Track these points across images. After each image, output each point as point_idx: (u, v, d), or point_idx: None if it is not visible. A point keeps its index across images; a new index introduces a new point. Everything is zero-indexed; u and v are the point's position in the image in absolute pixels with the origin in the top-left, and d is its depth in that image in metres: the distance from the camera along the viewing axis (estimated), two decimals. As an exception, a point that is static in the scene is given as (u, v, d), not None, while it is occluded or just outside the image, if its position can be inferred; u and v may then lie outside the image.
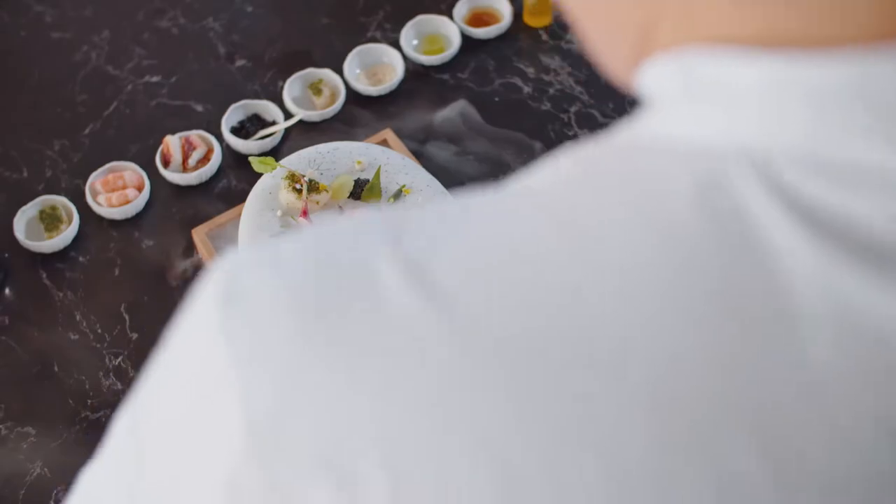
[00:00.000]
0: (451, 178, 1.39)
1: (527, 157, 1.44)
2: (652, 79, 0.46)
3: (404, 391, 0.43)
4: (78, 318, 1.31)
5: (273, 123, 1.48)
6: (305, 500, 0.46)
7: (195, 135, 1.45)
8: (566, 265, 0.43)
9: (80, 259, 1.37)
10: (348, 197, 1.30)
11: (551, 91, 1.53)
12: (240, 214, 1.32)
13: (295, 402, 0.46)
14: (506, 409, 0.42)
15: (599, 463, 0.41)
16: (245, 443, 0.47)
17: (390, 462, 0.43)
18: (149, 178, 1.43)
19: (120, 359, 1.28)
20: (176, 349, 0.54)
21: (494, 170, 1.43)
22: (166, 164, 1.44)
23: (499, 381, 0.42)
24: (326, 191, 1.29)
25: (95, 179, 1.42)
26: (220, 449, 0.48)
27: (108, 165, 1.43)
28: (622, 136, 0.46)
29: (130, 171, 1.43)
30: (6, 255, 1.37)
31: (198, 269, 1.34)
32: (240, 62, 1.59)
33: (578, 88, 1.53)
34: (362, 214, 0.50)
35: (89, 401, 1.24)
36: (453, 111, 1.48)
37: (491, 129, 1.47)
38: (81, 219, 1.39)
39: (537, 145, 1.45)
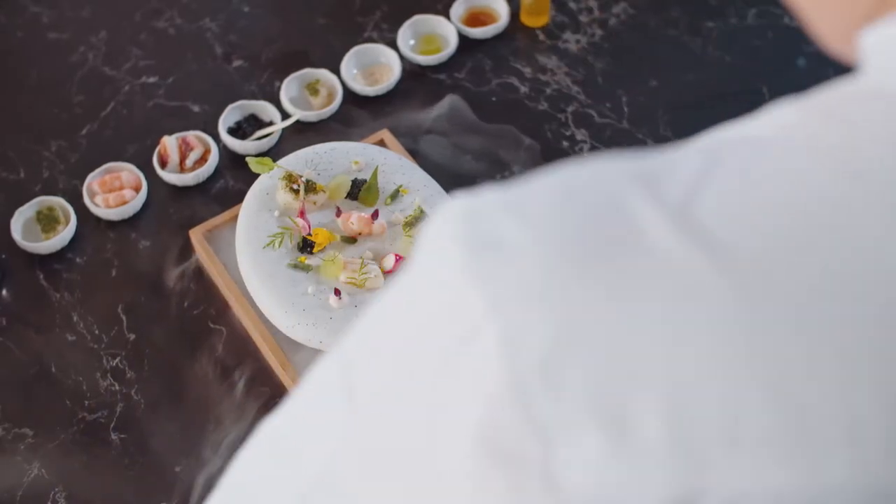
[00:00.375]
0: (449, 178, 1.39)
1: (524, 156, 1.44)
2: (887, 38, 0.48)
3: (686, 334, 0.44)
4: (75, 318, 1.31)
5: (270, 124, 1.48)
6: (569, 443, 0.46)
7: (192, 135, 1.45)
8: (845, 208, 0.44)
9: (78, 260, 1.37)
10: (345, 197, 1.30)
11: (548, 91, 1.53)
12: (237, 215, 1.32)
13: (566, 344, 0.46)
14: (797, 353, 0.43)
15: (888, 402, 0.42)
16: (504, 385, 0.47)
17: (670, 405, 0.44)
18: (146, 178, 1.42)
19: (117, 360, 1.28)
20: (412, 294, 0.54)
21: (492, 169, 1.43)
22: (163, 164, 1.44)
23: (788, 327, 0.43)
24: (324, 191, 1.29)
25: (92, 180, 1.42)
26: (471, 391, 0.48)
27: (105, 166, 1.43)
28: (849, 88, 0.48)
29: (127, 172, 1.43)
30: (3, 256, 1.37)
31: (195, 269, 1.34)
32: (237, 62, 1.59)
33: (575, 88, 1.53)
34: (603, 159, 0.51)
35: (87, 402, 1.24)
36: (442, 108, 1.48)
37: (488, 129, 1.47)
38: (78, 219, 1.39)
39: (534, 145, 1.45)
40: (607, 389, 0.45)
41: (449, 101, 1.49)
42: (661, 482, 0.45)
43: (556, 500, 0.47)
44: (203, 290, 1.32)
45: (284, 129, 1.48)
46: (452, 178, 1.40)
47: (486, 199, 0.51)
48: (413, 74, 1.55)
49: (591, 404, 0.46)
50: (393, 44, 1.57)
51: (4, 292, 1.35)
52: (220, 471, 1.16)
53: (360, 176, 1.31)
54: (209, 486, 1.16)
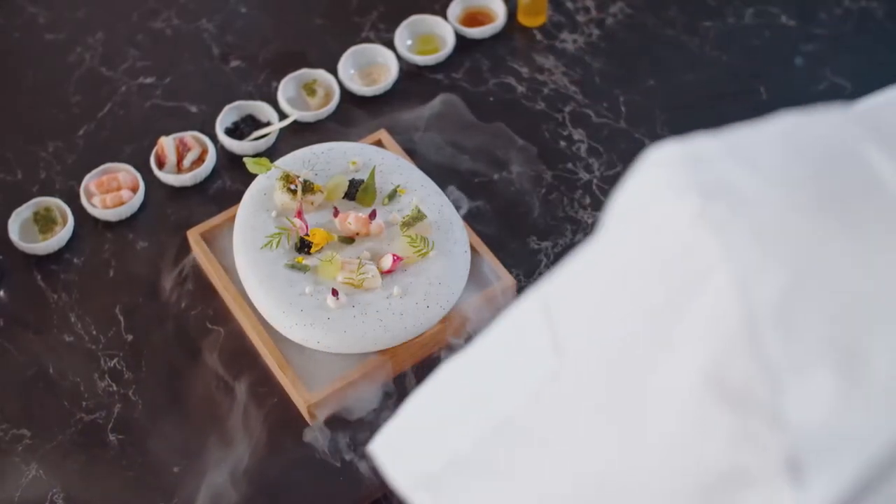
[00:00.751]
0: (446, 178, 1.39)
1: (522, 156, 1.44)
2: None
3: None
4: (73, 319, 1.31)
5: (267, 124, 1.48)
6: (800, 383, 0.49)
7: (189, 136, 1.45)
8: None
9: (75, 261, 1.37)
10: (343, 197, 1.30)
11: (545, 91, 1.53)
12: (235, 216, 1.32)
13: (801, 287, 0.48)
14: None
15: None
16: (737, 327, 0.50)
17: None
18: (143, 179, 1.42)
19: (115, 360, 1.28)
20: (628, 239, 0.56)
21: (489, 169, 1.43)
22: (161, 165, 1.43)
23: None
24: (321, 191, 1.29)
25: (90, 181, 1.42)
26: (702, 332, 0.51)
27: (102, 167, 1.43)
28: None
29: (125, 173, 1.42)
30: (0, 257, 1.37)
31: (193, 270, 1.34)
32: (234, 63, 1.58)
33: (573, 88, 1.53)
34: (826, 109, 0.53)
35: (84, 402, 1.24)
36: (439, 108, 1.48)
37: (485, 128, 1.47)
38: (76, 220, 1.39)
39: (532, 145, 1.45)
40: (842, 330, 0.48)
41: (446, 101, 1.49)
42: (893, 421, 0.48)
43: (781, 439, 0.50)
44: (200, 291, 1.32)
45: (282, 130, 1.48)
46: (450, 178, 1.40)
47: (706, 146, 0.53)
48: (410, 74, 1.55)
49: (825, 345, 0.48)
50: (390, 44, 1.57)
51: (2, 293, 1.35)
52: (219, 471, 1.17)
53: (358, 176, 1.31)
54: (208, 487, 1.16)
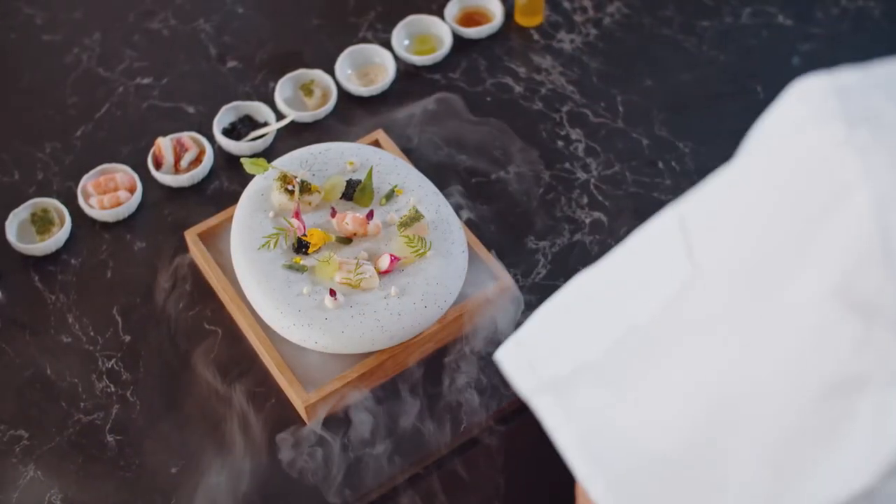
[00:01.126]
0: (444, 178, 1.39)
1: (519, 156, 1.44)
2: None
3: None
4: (70, 320, 1.31)
5: (265, 124, 1.48)
6: None
7: (187, 136, 1.45)
8: None
9: (72, 262, 1.37)
10: (340, 198, 1.30)
11: (543, 91, 1.53)
12: (232, 216, 1.32)
13: None
14: None
15: None
16: (872, 242, 0.56)
17: None
18: (140, 180, 1.42)
19: (113, 361, 1.27)
20: (770, 161, 0.62)
21: (487, 169, 1.43)
22: (158, 165, 1.43)
23: None
24: (318, 192, 1.29)
25: (87, 182, 1.42)
26: (838, 245, 0.57)
27: (99, 167, 1.43)
28: None
29: (122, 173, 1.42)
30: (-2, 258, 1.37)
31: (190, 271, 1.34)
32: (231, 63, 1.58)
33: (570, 88, 1.53)
34: None
35: (82, 403, 1.24)
36: (437, 108, 1.48)
37: (482, 129, 1.47)
38: (73, 221, 1.39)
39: (529, 145, 1.45)
40: None
41: (443, 102, 1.49)
42: None
43: None
44: (198, 292, 1.32)
45: (279, 130, 1.48)
46: (447, 178, 1.40)
47: (851, 78, 0.59)
48: (408, 74, 1.55)
49: None
50: (387, 44, 1.57)
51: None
52: (217, 471, 1.17)
53: (355, 176, 1.31)
54: (205, 487, 1.16)
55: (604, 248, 1.36)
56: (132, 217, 1.41)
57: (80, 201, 1.39)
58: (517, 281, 1.31)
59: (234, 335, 1.28)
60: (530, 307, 1.28)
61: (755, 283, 0.62)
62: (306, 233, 1.25)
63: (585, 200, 1.40)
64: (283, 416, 1.21)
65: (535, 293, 1.30)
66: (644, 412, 0.72)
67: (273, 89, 1.53)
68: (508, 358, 0.81)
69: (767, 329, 0.62)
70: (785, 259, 0.60)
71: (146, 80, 1.56)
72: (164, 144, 1.43)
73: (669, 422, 0.70)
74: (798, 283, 0.60)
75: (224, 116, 1.48)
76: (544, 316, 0.80)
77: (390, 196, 1.30)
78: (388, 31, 1.59)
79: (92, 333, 1.30)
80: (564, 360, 0.76)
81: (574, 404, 0.76)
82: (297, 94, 1.52)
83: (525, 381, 0.79)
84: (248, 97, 1.53)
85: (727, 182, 0.65)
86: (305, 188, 1.27)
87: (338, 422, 1.21)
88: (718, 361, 0.66)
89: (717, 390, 0.66)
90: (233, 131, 1.47)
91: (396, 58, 1.55)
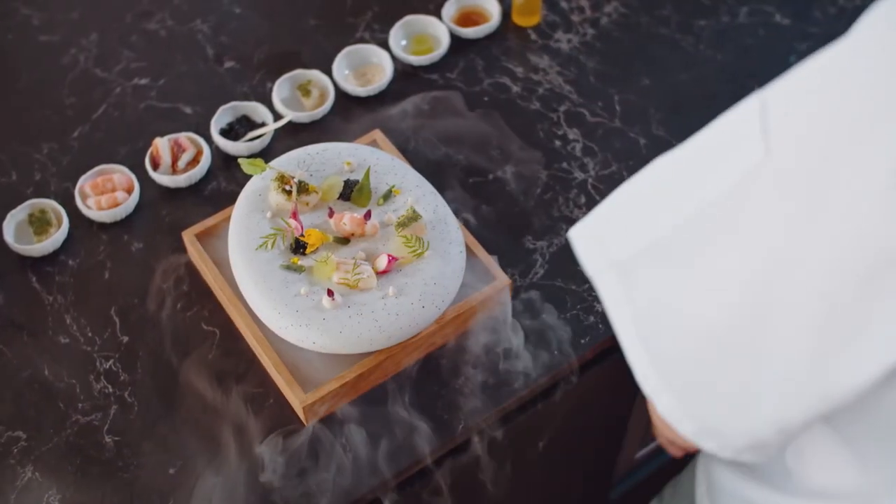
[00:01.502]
0: (441, 178, 1.39)
1: (517, 156, 1.44)
2: None
3: None
4: (68, 321, 1.31)
5: (262, 125, 1.48)
6: None
7: (184, 137, 1.45)
8: None
9: (70, 262, 1.37)
10: (338, 198, 1.30)
11: (540, 90, 1.53)
12: (229, 216, 1.31)
13: None
14: None
15: None
16: None
17: None
18: (138, 180, 1.42)
19: (111, 362, 1.27)
20: (854, 54, 0.69)
21: (484, 169, 1.43)
22: (155, 166, 1.43)
23: None
24: (316, 192, 1.29)
25: (84, 182, 1.42)
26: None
27: (97, 168, 1.43)
28: None
29: (119, 174, 1.42)
30: (-5, 259, 1.37)
31: (188, 271, 1.34)
32: (228, 64, 1.58)
33: (567, 87, 1.53)
34: None
35: (80, 404, 1.24)
36: (434, 108, 1.48)
37: (480, 128, 1.47)
38: (71, 222, 1.39)
39: (527, 145, 1.45)
40: None
41: (441, 101, 1.49)
42: None
43: None
44: (196, 292, 1.32)
45: (276, 131, 1.48)
46: (445, 178, 1.40)
47: None
48: (405, 75, 1.55)
49: None
50: (385, 44, 1.57)
51: (-3, 295, 1.35)
52: (215, 472, 1.17)
53: (353, 177, 1.31)
54: (203, 488, 1.16)
55: (601, 247, 1.35)
56: (130, 218, 1.41)
57: (78, 202, 1.39)
58: (515, 281, 1.31)
59: (231, 336, 1.28)
60: (528, 307, 1.29)
61: (824, 165, 0.68)
62: (304, 233, 1.25)
63: (583, 200, 1.40)
64: (281, 416, 1.21)
65: (533, 293, 1.30)
66: (702, 288, 0.77)
67: (270, 89, 1.53)
68: (580, 236, 0.86)
69: (832, 206, 0.68)
70: (852, 143, 0.66)
71: (143, 81, 1.56)
72: (162, 145, 1.43)
73: (725, 297, 0.76)
74: (862, 166, 0.66)
75: (221, 117, 1.48)
76: (619, 196, 0.85)
77: (388, 196, 1.30)
78: (386, 31, 1.59)
79: (90, 334, 1.30)
80: (634, 237, 0.82)
81: (635, 284, 0.81)
82: (294, 95, 1.52)
83: (593, 260, 0.85)
84: (246, 97, 1.53)
85: (810, 68, 0.71)
86: (303, 188, 1.27)
87: (335, 422, 1.21)
88: (780, 237, 0.72)
89: (774, 265, 0.73)
90: (230, 132, 1.47)
91: (394, 58, 1.55)
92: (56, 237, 1.36)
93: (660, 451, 1.81)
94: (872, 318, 0.70)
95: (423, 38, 1.59)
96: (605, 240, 0.84)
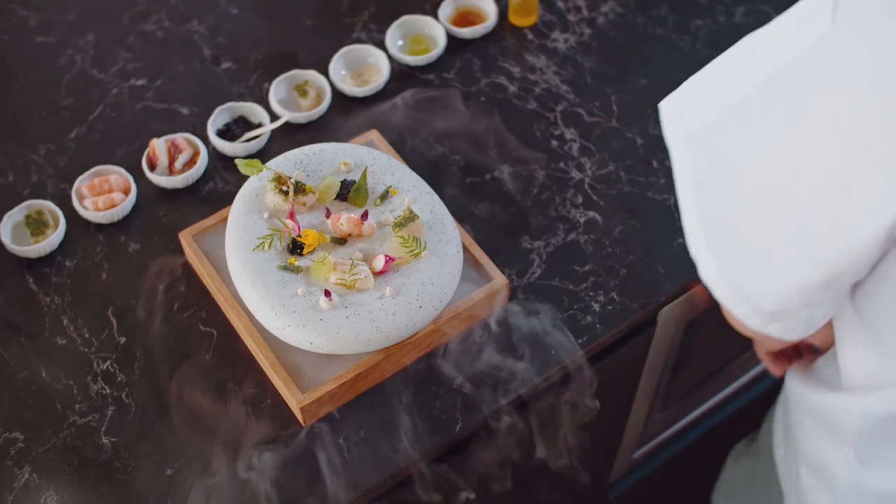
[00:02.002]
0: (438, 178, 1.39)
1: (514, 156, 1.44)
2: None
3: None
4: (65, 322, 1.31)
5: (259, 125, 1.48)
6: None
7: (181, 138, 1.45)
8: None
9: (67, 263, 1.37)
10: (335, 198, 1.30)
11: (537, 90, 1.53)
12: (226, 217, 1.31)
13: None
14: None
15: None
16: None
17: None
18: (135, 181, 1.42)
19: (108, 363, 1.27)
20: None
21: (481, 169, 1.43)
22: (152, 167, 1.43)
23: None
24: (313, 192, 1.29)
25: (81, 183, 1.41)
26: None
27: (93, 169, 1.43)
28: None
29: (116, 175, 1.42)
30: (-8, 260, 1.37)
31: (185, 272, 1.34)
32: (225, 64, 1.58)
33: (564, 87, 1.53)
34: None
35: (77, 405, 1.24)
36: (431, 108, 1.48)
37: (477, 129, 1.47)
38: (68, 223, 1.39)
39: (524, 145, 1.45)
40: None
41: (438, 102, 1.49)
42: None
43: None
44: (193, 293, 1.32)
45: (273, 131, 1.48)
46: (442, 178, 1.40)
47: None
48: (402, 75, 1.55)
49: None
50: (381, 44, 1.57)
51: (-6, 297, 1.35)
52: (212, 473, 1.17)
53: (350, 177, 1.31)
54: (201, 489, 1.16)
55: (598, 247, 1.36)
56: (126, 219, 1.40)
57: (75, 203, 1.39)
58: (512, 281, 1.31)
59: (229, 336, 1.28)
60: (525, 307, 1.29)
61: (882, 39, 0.73)
62: (301, 233, 1.25)
63: (580, 200, 1.40)
64: (278, 417, 1.21)
65: (530, 293, 1.31)
66: (759, 151, 0.83)
67: (267, 90, 1.53)
68: (667, 108, 0.93)
69: (887, 74, 0.74)
70: None
71: (140, 82, 1.56)
72: (159, 146, 1.43)
73: (778, 159, 0.82)
74: None
75: (218, 117, 1.48)
76: (706, 68, 0.91)
77: (385, 196, 1.30)
78: (382, 31, 1.59)
79: (87, 335, 1.30)
80: (709, 105, 0.88)
81: (704, 158, 0.88)
82: (291, 95, 1.52)
83: (672, 130, 0.91)
84: (243, 98, 1.53)
85: None
86: (300, 189, 1.27)
87: (333, 422, 1.21)
88: (836, 104, 0.77)
89: (840, 132, 0.78)
90: (227, 132, 1.47)
91: (390, 58, 1.55)
92: (53, 238, 1.36)
93: (659, 450, 1.81)
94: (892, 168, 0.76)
95: (420, 38, 1.59)
96: (685, 109, 0.91)
